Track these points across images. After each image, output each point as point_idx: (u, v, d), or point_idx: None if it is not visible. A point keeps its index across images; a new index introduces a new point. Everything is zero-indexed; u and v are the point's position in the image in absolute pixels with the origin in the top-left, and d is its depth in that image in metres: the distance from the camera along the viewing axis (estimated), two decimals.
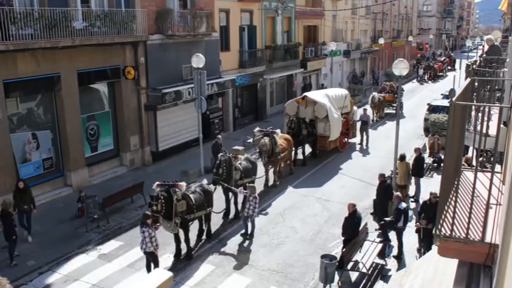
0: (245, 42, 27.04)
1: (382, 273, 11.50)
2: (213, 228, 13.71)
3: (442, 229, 4.58)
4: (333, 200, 16.36)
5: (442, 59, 58.34)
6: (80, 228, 13.75)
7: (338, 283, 11.01)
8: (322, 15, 35.97)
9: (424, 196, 15.73)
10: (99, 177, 17.84)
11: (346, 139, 23.02)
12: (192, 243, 12.69)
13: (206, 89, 18.80)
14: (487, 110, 5.94)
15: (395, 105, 26.90)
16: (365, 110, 24.54)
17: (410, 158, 17.19)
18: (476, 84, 7.40)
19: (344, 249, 11.08)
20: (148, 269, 10.86)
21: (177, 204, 11.43)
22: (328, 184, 17.97)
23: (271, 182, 17.69)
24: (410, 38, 59.15)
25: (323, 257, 10.45)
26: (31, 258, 12.05)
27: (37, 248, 12.58)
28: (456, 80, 35.90)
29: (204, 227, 13.22)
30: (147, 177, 16.86)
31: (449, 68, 57.01)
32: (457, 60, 53.46)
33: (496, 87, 9.31)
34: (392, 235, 12.42)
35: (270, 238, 13.50)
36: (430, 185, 16.50)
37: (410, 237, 13.04)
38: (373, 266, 11.58)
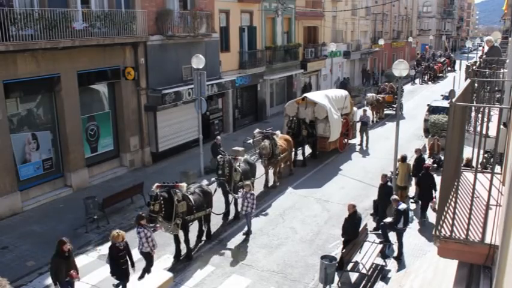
0: (245, 43, 27.05)
1: (382, 274, 11.50)
2: (213, 229, 13.71)
3: (442, 230, 4.58)
4: (332, 200, 16.36)
5: (442, 60, 58.38)
6: (80, 228, 13.74)
7: (338, 284, 11.01)
8: (322, 16, 36.00)
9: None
10: (99, 178, 17.84)
11: (346, 140, 23.02)
12: (192, 244, 12.69)
13: (206, 89, 18.79)
14: (486, 111, 5.94)
15: (395, 106, 26.92)
16: (365, 111, 24.55)
17: (410, 159, 17.19)
18: (476, 85, 7.41)
19: (344, 250, 11.07)
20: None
21: (177, 205, 11.43)
22: (328, 185, 17.97)
23: (271, 183, 17.70)
24: (410, 39, 59.17)
25: (323, 257, 10.45)
26: (31, 258, 12.05)
27: (37, 248, 12.57)
28: (456, 81, 35.92)
29: (203, 228, 13.23)
30: (147, 178, 16.86)
31: (449, 69, 57.08)
32: (457, 61, 53.56)
33: (496, 88, 9.32)
34: (392, 236, 12.41)
35: (270, 239, 13.50)
36: None
37: (410, 238, 13.05)
38: (373, 266, 11.58)
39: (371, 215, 14.66)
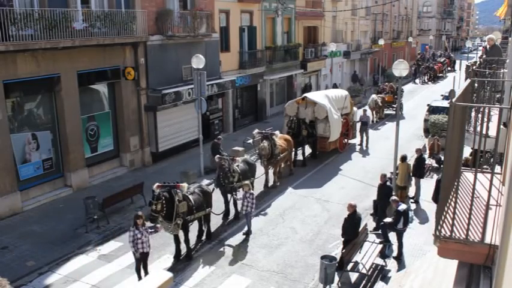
0: (245, 43, 27.04)
1: (382, 274, 11.50)
2: (213, 229, 13.71)
3: (442, 230, 4.58)
4: (332, 200, 16.36)
5: (442, 60, 58.41)
6: (80, 228, 13.74)
7: (338, 284, 11.01)
8: (322, 16, 36.00)
9: (424, 197, 15.78)
10: (99, 178, 17.84)
11: (346, 140, 23.02)
12: (192, 243, 12.69)
13: (206, 89, 18.79)
14: (486, 111, 5.94)
15: (395, 106, 26.92)
16: (365, 111, 24.57)
17: (410, 159, 17.19)
18: (476, 85, 7.41)
19: (344, 250, 11.07)
20: (138, 271, 10.80)
21: (178, 205, 11.44)
22: (328, 185, 17.97)
23: (271, 183, 17.70)
24: (410, 39, 59.17)
25: (323, 257, 10.45)
26: (31, 258, 12.05)
27: (37, 248, 12.58)
28: (456, 81, 35.92)
29: (203, 228, 13.23)
30: (147, 178, 16.86)
31: (449, 69, 57.10)
32: (457, 61, 53.59)
33: (494, 89, 9.32)
34: (392, 236, 12.41)
35: (270, 239, 13.50)
36: (430, 186, 16.47)
37: (410, 238, 13.05)
38: (373, 266, 11.58)
39: (371, 215, 14.66)
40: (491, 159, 7.02)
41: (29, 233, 13.46)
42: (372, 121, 27.38)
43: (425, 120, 24.63)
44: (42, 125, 16.06)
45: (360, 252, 11.67)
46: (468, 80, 6.32)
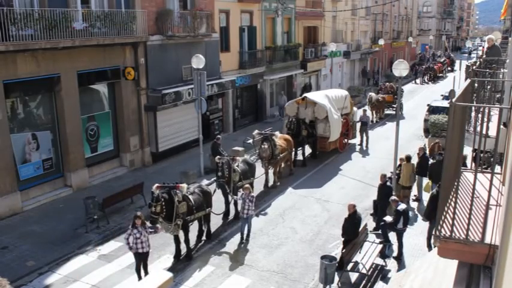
0: (245, 43, 27.04)
1: (382, 274, 11.50)
2: (213, 229, 13.71)
3: (442, 230, 4.58)
4: (332, 200, 16.36)
5: (442, 60, 58.43)
6: (80, 228, 13.74)
7: (338, 284, 11.01)
8: (322, 16, 35.99)
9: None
10: (99, 178, 17.84)
11: (346, 140, 23.03)
12: (192, 244, 12.69)
13: (206, 89, 18.79)
14: (486, 111, 5.95)
15: (395, 106, 26.92)
16: (365, 111, 24.58)
17: (413, 159, 17.16)
18: (476, 85, 7.41)
19: (344, 250, 11.07)
20: (138, 271, 10.82)
21: (178, 206, 11.43)
22: (328, 185, 17.97)
23: (271, 183, 17.70)
24: (410, 39, 59.19)
25: (323, 257, 10.45)
26: (31, 258, 12.05)
27: (37, 248, 12.58)
28: (456, 81, 35.92)
29: (203, 228, 13.23)
30: (147, 178, 16.86)
31: (449, 69, 57.12)
32: (456, 61, 53.59)
33: (493, 88, 9.32)
34: (392, 236, 12.41)
35: (270, 239, 13.49)
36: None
37: (410, 238, 13.05)
38: (373, 266, 11.58)
39: (371, 215, 14.66)
40: (491, 159, 7.02)
41: (29, 233, 13.46)
42: (372, 121, 27.37)
43: (425, 120, 24.63)
44: (42, 125, 16.06)
45: (360, 252, 11.67)
46: (468, 80, 6.32)
